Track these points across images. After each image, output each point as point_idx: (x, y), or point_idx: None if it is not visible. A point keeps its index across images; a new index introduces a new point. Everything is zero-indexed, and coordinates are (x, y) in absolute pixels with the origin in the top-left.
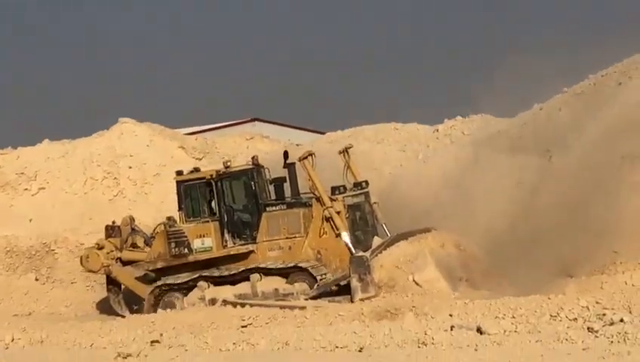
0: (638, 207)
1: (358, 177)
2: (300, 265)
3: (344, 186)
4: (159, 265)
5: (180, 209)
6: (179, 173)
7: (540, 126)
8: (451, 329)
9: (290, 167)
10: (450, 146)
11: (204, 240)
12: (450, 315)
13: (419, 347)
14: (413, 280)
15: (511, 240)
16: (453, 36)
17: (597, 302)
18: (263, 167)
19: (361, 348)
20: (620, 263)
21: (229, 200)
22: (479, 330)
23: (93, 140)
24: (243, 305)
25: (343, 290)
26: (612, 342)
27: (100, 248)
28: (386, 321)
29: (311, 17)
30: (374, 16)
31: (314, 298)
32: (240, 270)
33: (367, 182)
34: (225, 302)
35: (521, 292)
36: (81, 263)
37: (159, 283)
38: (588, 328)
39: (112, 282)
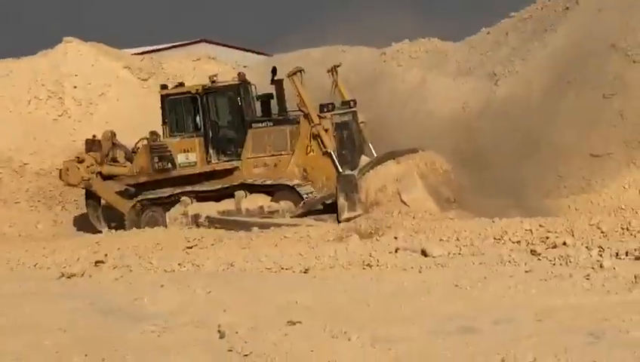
0: (582, 132)
1: (346, 96)
2: (286, 182)
3: (333, 104)
4: (141, 179)
5: (163, 123)
6: (163, 86)
7: (487, 50)
8: (396, 252)
9: (277, 83)
10: (397, 69)
11: (189, 155)
12: (395, 238)
13: (364, 268)
14: (401, 200)
15: (456, 163)
16: None
17: (540, 226)
18: (249, 83)
19: (307, 270)
20: (564, 187)
21: (215, 115)
22: (424, 253)
23: (37, 59)
24: (227, 222)
25: (329, 209)
26: (554, 264)
27: (80, 161)
28: (332, 243)
29: None
30: None
31: (299, 216)
32: (225, 186)
33: (355, 101)
34: (208, 219)
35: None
36: (60, 176)
37: (141, 197)
38: (531, 251)
39: (91, 197)
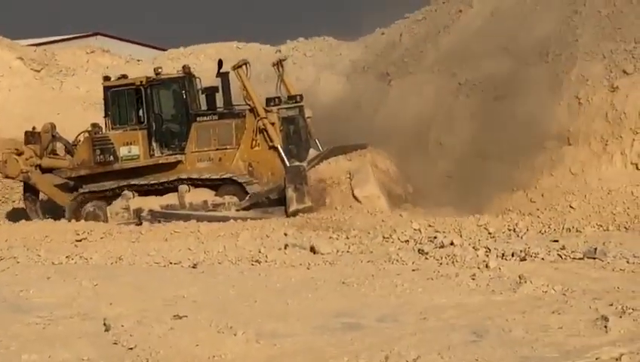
0: (472, 134)
1: (292, 90)
2: (230, 176)
3: (279, 98)
4: (83, 172)
5: (106, 115)
6: (106, 78)
7: (381, 50)
8: (285, 248)
9: (223, 76)
10: (292, 67)
11: (131, 148)
12: (285, 234)
13: (252, 264)
14: (353, 195)
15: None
16: None
17: (429, 226)
18: (194, 76)
19: (195, 264)
20: (453, 189)
21: (158, 108)
22: (313, 249)
23: None
24: (170, 216)
25: (277, 201)
26: (441, 263)
27: (19, 154)
28: (221, 239)
29: None
30: None
31: (245, 209)
32: (168, 180)
33: (301, 96)
34: (152, 213)
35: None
36: None
37: (81, 191)
38: (419, 250)
39: (29, 190)
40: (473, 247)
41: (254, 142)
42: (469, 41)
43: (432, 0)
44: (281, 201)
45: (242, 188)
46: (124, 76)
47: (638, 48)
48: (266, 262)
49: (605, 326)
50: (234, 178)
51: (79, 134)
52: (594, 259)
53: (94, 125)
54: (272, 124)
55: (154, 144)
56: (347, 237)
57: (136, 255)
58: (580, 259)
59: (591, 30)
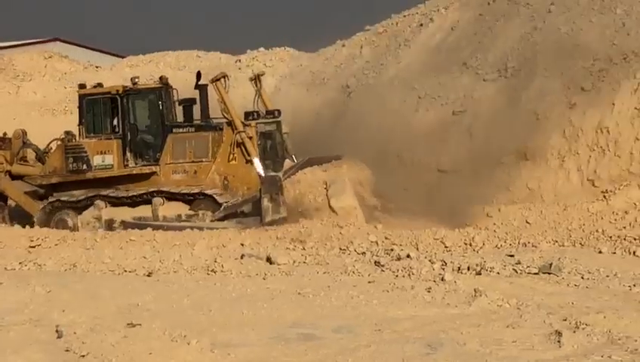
0: (431, 148)
1: (269, 105)
2: (205, 191)
3: (257, 112)
4: (54, 180)
5: (80, 123)
6: (82, 86)
7: (341, 62)
8: (241, 258)
9: (201, 88)
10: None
11: (105, 158)
12: (242, 244)
13: (208, 274)
14: (330, 206)
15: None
16: None
17: (386, 238)
18: (171, 87)
19: (150, 273)
20: (410, 201)
21: (134, 118)
22: (269, 260)
23: None
24: (143, 227)
25: (253, 211)
26: (397, 276)
27: None
28: (177, 248)
29: None
30: None
31: (220, 220)
32: (142, 192)
33: (279, 111)
34: (124, 224)
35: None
36: None
37: (52, 199)
38: (375, 262)
39: None
40: (429, 260)
41: (231, 155)
42: (429, 55)
43: (393, 13)
44: (257, 212)
45: (216, 202)
46: (100, 84)
47: (596, 65)
48: (222, 271)
49: (559, 341)
50: (209, 193)
51: (51, 141)
52: (549, 274)
53: (67, 133)
54: (250, 138)
55: (128, 154)
56: (304, 248)
57: (91, 262)
58: (535, 273)
59: (550, 47)
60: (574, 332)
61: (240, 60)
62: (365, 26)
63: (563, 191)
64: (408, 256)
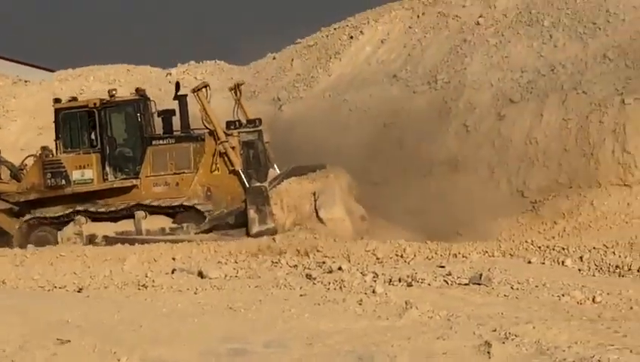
0: (363, 159)
1: (249, 115)
2: (188, 203)
3: (239, 121)
4: (33, 196)
5: (57, 138)
6: (57, 100)
7: (272, 75)
8: (172, 273)
9: (181, 99)
10: (182, 90)
11: (85, 172)
12: (174, 259)
13: (139, 289)
14: (318, 217)
15: None
16: None
17: (317, 251)
18: (149, 98)
19: (80, 289)
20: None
21: (112, 131)
22: (200, 274)
23: None
24: (124, 242)
25: (239, 223)
26: (329, 289)
27: None
28: (108, 263)
29: None
30: None
31: (205, 232)
32: (123, 206)
33: (260, 120)
34: (106, 239)
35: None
36: None
37: (30, 216)
38: (307, 275)
39: None
40: (361, 273)
41: (214, 166)
42: (359, 67)
43: (323, 26)
44: (243, 223)
45: (200, 214)
46: (75, 98)
47: (525, 77)
48: (153, 286)
49: (488, 352)
50: (193, 205)
51: (26, 158)
52: (479, 284)
53: (44, 148)
54: (233, 147)
55: (108, 168)
56: (235, 262)
57: (20, 278)
58: (465, 284)
59: (479, 59)
60: (504, 342)
61: (170, 74)
62: (296, 39)
63: (493, 202)
64: (340, 268)
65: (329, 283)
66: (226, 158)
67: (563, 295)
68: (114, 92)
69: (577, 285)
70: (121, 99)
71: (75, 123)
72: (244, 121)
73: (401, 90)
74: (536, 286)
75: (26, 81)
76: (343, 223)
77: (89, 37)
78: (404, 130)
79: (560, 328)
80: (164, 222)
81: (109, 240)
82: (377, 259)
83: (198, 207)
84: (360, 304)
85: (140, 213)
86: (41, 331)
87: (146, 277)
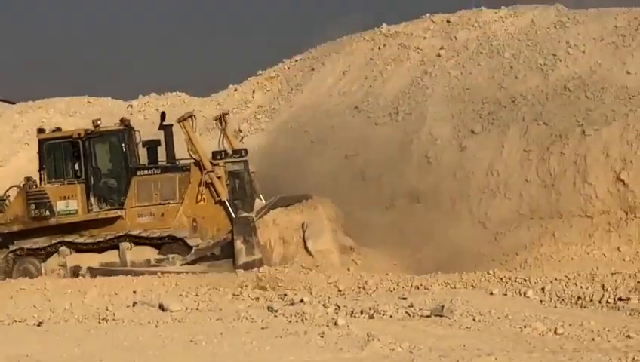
0: (324, 191)
1: (235, 145)
2: (174, 234)
3: (225, 152)
4: (16, 227)
5: (41, 169)
6: (40, 130)
7: (234, 107)
8: (133, 306)
9: (166, 128)
10: (144, 122)
11: (69, 203)
12: (134, 291)
13: (99, 322)
14: (306, 248)
15: None
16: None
17: (279, 284)
18: (133, 129)
19: (40, 322)
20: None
21: (97, 161)
22: (161, 307)
23: None
24: (111, 274)
25: (225, 254)
26: (290, 321)
27: None
28: (68, 296)
29: None
30: None
31: (190, 263)
32: (108, 237)
33: (246, 150)
34: (91, 270)
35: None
36: None
37: (14, 247)
38: (268, 307)
39: None
40: (323, 305)
41: (199, 196)
42: (321, 99)
43: (285, 58)
44: (229, 254)
45: (186, 245)
46: (59, 129)
47: (485, 108)
48: (114, 319)
49: None
50: (179, 236)
51: (8, 189)
52: (441, 316)
53: (28, 178)
54: (219, 177)
55: (92, 198)
56: (197, 295)
57: None
58: (427, 316)
59: (440, 91)
60: None
61: (132, 106)
62: (257, 70)
63: (455, 233)
64: (302, 300)
65: (291, 316)
66: (212, 188)
67: (525, 326)
68: (98, 122)
69: (539, 316)
70: (105, 130)
71: (60, 153)
72: (229, 151)
73: (363, 121)
74: (499, 318)
75: None
76: (330, 255)
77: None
78: (365, 161)
79: (522, 359)
80: (150, 253)
81: (93, 272)
82: (339, 291)
83: (186, 240)
84: (322, 336)
85: (124, 244)
86: None
87: (107, 310)
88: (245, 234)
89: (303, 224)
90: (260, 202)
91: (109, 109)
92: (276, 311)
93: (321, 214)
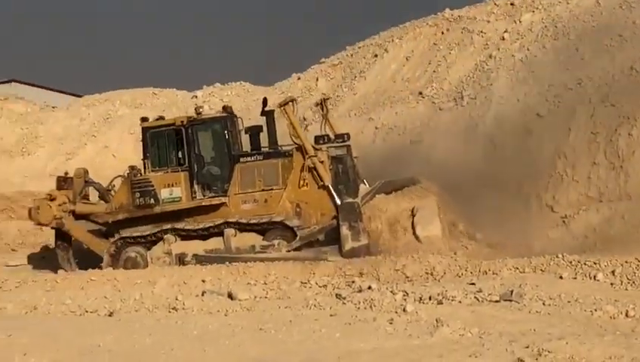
0: (390, 177)
1: (336, 130)
2: (280, 220)
3: (328, 136)
4: (121, 216)
5: (144, 157)
6: (144, 119)
7: (297, 95)
8: (202, 295)
9: (268, 114)
10: (207, 112)
11: (173, 190)
12: (203, 281)
13: (169, 312)
14: (414, 234)
15: None
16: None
17: (347, 271)
18: (236, 116)
19: (111, 313)
20: None
21: (200, 148)
22: (230, 296)
23: None
24: (216, 260)
25: (331, 240)
26: (359, 308)
27: (52, 199)
28: (138, 286)
29: None
30: None
31: (296, 250)
32: (213, 224)
33: (348, 135)
34: (196, 257)
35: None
36: (30, 215)
37: (119, 236)
38: (336, 295)
39: (61, 237)
40: (391, 291)
41: (303, 181)
42: (384, 85)
43: (348, 45)
44: (334, 240)
45: (291, 231)
46: (162, 117)
47: (551, 91)
48: (184, 309)
49: None
50: (284, 221)
51: (113, 179)
52: (510, 301)
53: (132, 168)
54: (322, 162)
55: (196, 186)
56: (265, 283)
57: (52, 304)
58: (496, 301)
59: (505, 74)
60: (537, 359)
61: (196, 96)
62: (320, 58)
63: (523, 217)
64: (369, 287)
65: (359, 303)
66: (315, 173)
67: (596, 310)
68: (201, 109)
69: (610, 299)
70: (208, 117)
71: (163, 141)
72: (332, 136)
73: (427, 107)
74: (569, 302)
75: (53, 107)
76: (439, 241)
77: (114, 61)
78: (430, 147)
79: (593, 343)
80: (254, 239)
81: (198, 259)
82: (407, 277)
83: (291, 225)
84: (391, 323)
85: (229, 231)
86: (72, 356)
87: (177, 299)
88: (351, 220)
89: (412, 209)
90: (364, 187)
91: (174, 100)
92: (344, 298)
93: (431, 200)
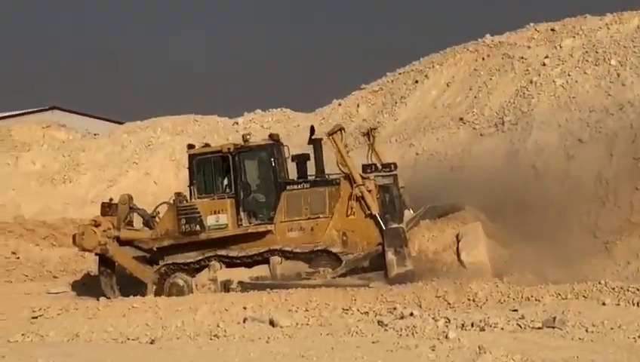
0: (431, 203)
1: (382, 159)
2: (326, 248)
3: (375, 165)
4: (167, 242)
5: (191, 184)
6: (190, 146)
7: (339, 121)
8: (244, 322)
9: (315, 142)
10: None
11: (219, 217)
12: (245, 308)
13: (211, 339)
14: (459, 259)
15: None
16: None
17: (388, 297)
18: (282, 144)
19: (153, 340)
20: None
21: (246, 176)
22: (272, 323)
23: None
24: (261, 287)
25: (376, 266)
26: (401, 335)
27: (97, 225)
28: (180, 313)
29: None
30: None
31: (341, 276)
32: (259, 251)
33: (395, 165)
34: (242, 284)
35: None
36: (74, 241)
37: (164, 262)
38: (378, 321)
39: (104, 264)
40: (433, 318)
41: (350, 210)
42: (425, 111)
43: (388, 71)
44: (378, 266)
45: (337, 258)
46: (208, 144)
47: (592, 116)
48: (225, 336)
49: None
50: (330, 249)
51: (158, 205)
52: (553, 328)
53: (178, 194)
54: (370, 191)
55: (242, 213)
56: (306, 310)
57: (93, 331)
58: (539, 328)
59: (546, 100)
60: None
61: (237, 123)
62: (361, 84)
63: (564, 243)
64: (411, 314)
65: (401, 330)
66: (362, 202)
67: (639, 336)
68: (248, 137)
69: None
70: (254, 144)
71: (209, 168)
72: (378, 165)
73: (468, 132)
74: (612, 329)
75: (95, 134)
76: (484, 267)
77: (155, 88)
78: (471, 173)
79: None
80: (300, 267)
81: (244, 286)
82: (448, 303)
83: (337, 252)
84: (433, 350)
85: (275, 259)
86: None
87: (218, 327)
88: (396, 246)
89: (457, 234)
90: (409, 213)
91: (215, 127)
92: (386, 324)
93: (476, 225)
